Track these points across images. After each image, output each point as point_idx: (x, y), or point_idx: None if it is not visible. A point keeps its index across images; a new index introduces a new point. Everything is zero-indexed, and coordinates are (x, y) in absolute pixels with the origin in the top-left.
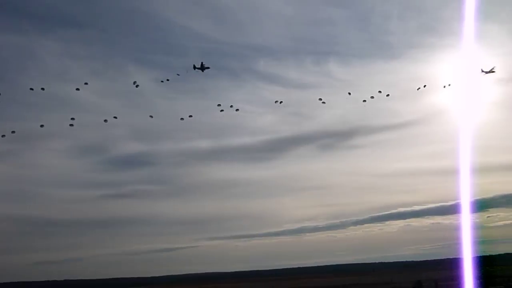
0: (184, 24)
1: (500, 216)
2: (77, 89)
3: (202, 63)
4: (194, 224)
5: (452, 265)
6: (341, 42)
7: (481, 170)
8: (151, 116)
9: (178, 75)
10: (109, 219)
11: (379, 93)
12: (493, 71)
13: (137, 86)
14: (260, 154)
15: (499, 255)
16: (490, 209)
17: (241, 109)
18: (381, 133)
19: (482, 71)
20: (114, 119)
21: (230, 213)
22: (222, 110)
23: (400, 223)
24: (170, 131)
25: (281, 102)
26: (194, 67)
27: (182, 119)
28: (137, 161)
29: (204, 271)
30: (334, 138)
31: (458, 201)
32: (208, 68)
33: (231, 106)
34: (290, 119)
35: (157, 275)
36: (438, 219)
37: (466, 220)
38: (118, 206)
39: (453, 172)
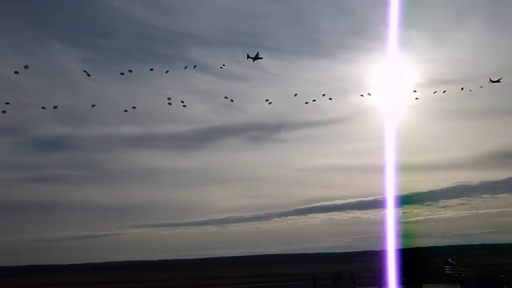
0: (115, 5)
1: (413, 213)
2: (16, 72)
3: (258, 53)
4: (118, 211)
5: (369, 257)
6: (273, 37)
7: (397, 168)
8: (93, 105)
9: (239, 61)
10: (28, 204)
11: (323, 96)
12: (499, 81)
13: (88, 75)
14: (188, 143)
15: (411, 248)
16: (404, 206)
17: (172, 97)
18: (307, 129)
19: (490, 80)
20: (51, 107)
21: (155, 201)
22: (170, 104)
23: (322, 216)
24: (95, 114)
25: (232, 100)
26: (248, 56)
27: (126, 111)
28: (59, 144)
29: (127, 259)
30: (262, 131)
31: (376, 197)
32: (261, 58)
33: (182, 102)
34: (220, 109)
35: (77, 263)
36: (357, 213)
37: (387, 215)
38: (38, 191)
39: (373, 169)
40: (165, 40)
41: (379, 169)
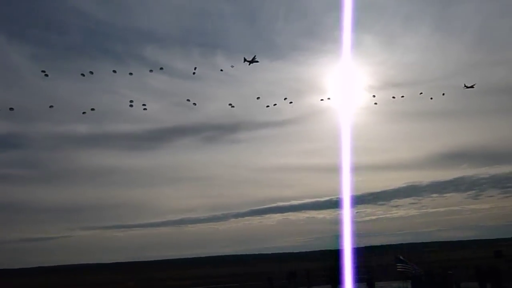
0: (66, 0)
1: (366, 212)
2: None
3: (254, 56)
4: (68, 212)
5: (324, 257)
6: (229, 37)
7: (352, 169)
8: (51, 106)
9: (232, 66)
10: None
11: (284, 100)
12: (473, 87)
13: (46, 75)
14: (143, 143)
15: (365, 247)
16: (359, 205)
17: (125, 96)
18: (263, 129)
19: (465, 86)
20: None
21: (108, 202)
22: (131, 106)
23: (278, 216)
24: (44, 112)
25: (194, 103)
26: (245, 60)
27: (84, 113)
28: (6, 142)
29: (78, 262)
30: (218, 131)
31: (332, 197)
32: (257, 62)
33: (144, 105)
34: (175, 109)
35: (26, 267)
36: (313, 214)
37: (342, 215)
38: None
39: (328, 170)
40: (119, 38)
41: (334, 170)
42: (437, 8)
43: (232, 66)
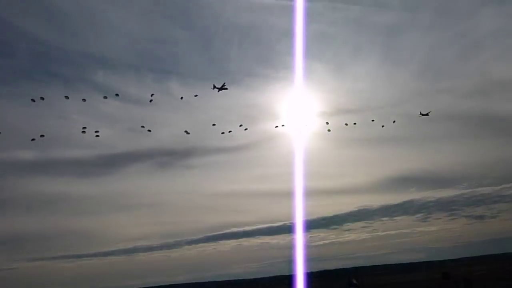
0: (13, 21)
1: (320, 237)
2: None
3: (224, 83)
4: (13, 242)
5: (278, 282)
6: (183, 63)
7: (305, 194)
8: (41, 136)
9: (196, 95)
10: None
11: (240, 127)
12: (428, 114)
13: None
14: (93, 169)
15: (319, 271)
16: (312, 230)
17: (75, 121)
18: (216, 155)
19: (421, 113)
20: None
21: (56, 231)
22: (84, 132)
23: (232, 242)
24: None
25: (149, 130)
26: (214, 87)
27: (33, 139)
28: None
29: None
30: (171, 157)
31: (285, 222)
32: (226, 89)
33: (97, 131)
34: (127, 135)
35: None
36: (266, 239)
37: (296, 240)
38: None
39: (281, 195)
40: (68, 61)
41: (288, 195)
42: (384, 38)
43: (195, 96)
